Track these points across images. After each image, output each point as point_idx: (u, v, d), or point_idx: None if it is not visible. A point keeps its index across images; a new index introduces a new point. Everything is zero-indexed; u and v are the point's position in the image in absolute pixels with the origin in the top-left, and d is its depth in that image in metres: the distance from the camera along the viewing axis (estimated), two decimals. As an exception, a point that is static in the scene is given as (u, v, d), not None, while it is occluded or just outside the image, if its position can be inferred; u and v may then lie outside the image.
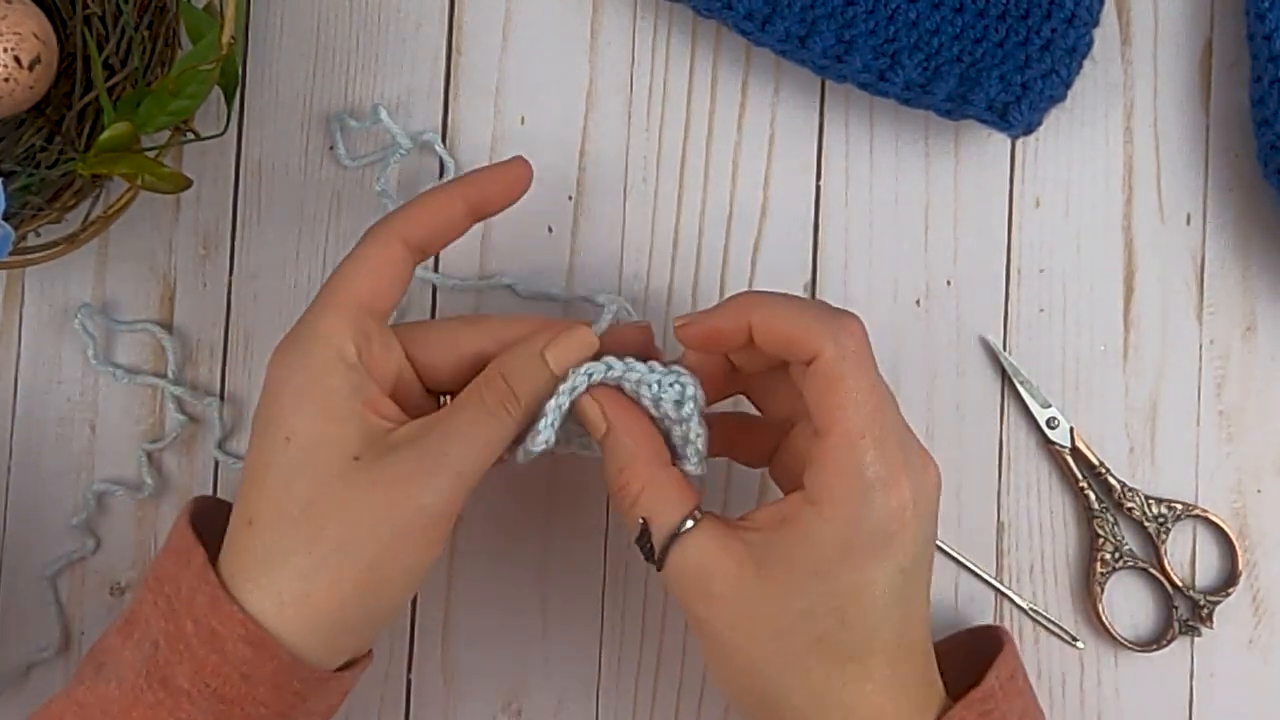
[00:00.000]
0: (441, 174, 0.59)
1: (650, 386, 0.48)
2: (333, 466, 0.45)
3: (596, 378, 0.48)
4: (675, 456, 0.48)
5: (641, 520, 0.46)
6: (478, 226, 0.58)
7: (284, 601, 0.45)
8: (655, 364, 0.48)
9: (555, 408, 0.47)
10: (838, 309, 0.47)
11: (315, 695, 0.46)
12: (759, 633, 0.45)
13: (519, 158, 0.51)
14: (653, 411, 0.48)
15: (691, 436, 0.48)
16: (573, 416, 0.48)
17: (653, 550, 0.46)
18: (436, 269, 0.59)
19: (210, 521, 0.48)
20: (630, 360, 0.48)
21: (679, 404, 0.48)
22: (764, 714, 0.46)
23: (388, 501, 0.45)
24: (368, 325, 0.47)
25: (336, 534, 0.45)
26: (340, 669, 0.47)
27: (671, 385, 0.48)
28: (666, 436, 0.48)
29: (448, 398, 0.51)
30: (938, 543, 0.58)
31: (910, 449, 0.46)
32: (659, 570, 0.46)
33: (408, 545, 0.45)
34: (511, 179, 0.51)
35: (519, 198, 0.51)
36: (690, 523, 0.46)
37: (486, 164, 0.52)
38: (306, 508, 0.45)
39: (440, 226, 0.50)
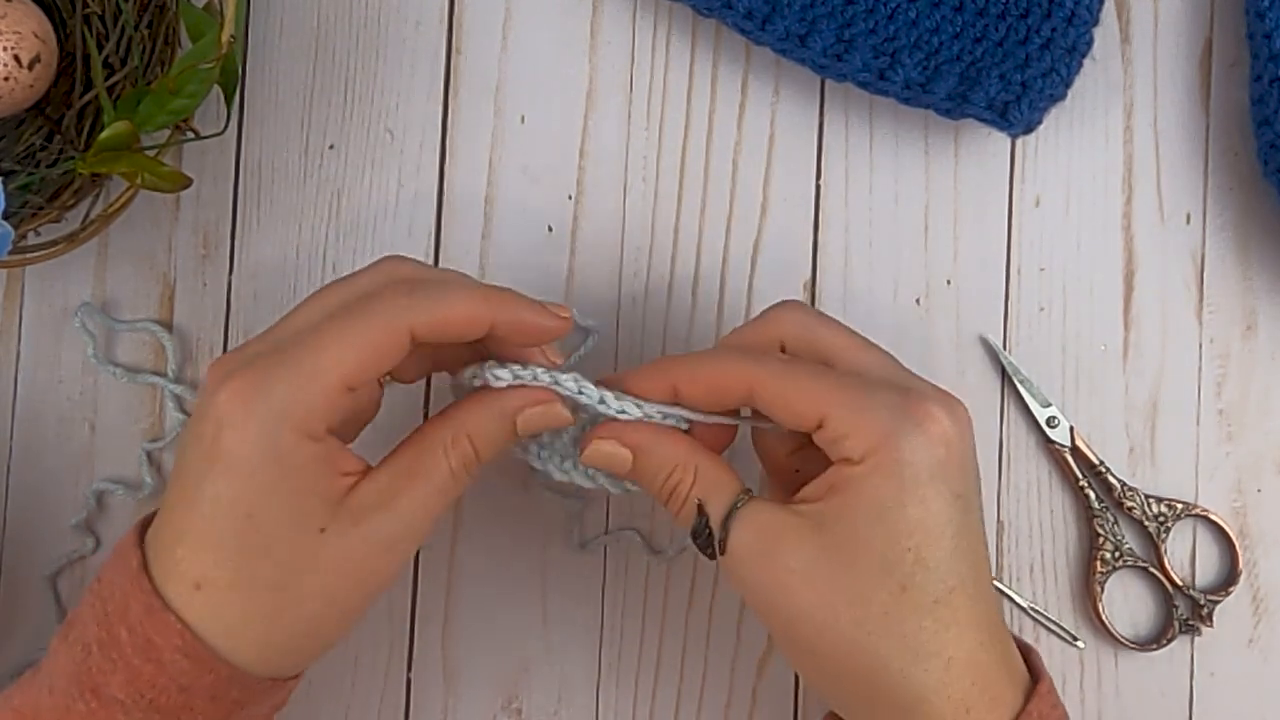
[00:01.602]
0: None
1: (609, 407, 0.48)
2: (299, 543, 0.44)
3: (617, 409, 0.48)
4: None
5: (698, 505, 0.46)
6: (478, 225, 0.59)
7: (222, 628, 0.44)
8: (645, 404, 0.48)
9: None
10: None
11: (255, 702, 0.46)
12: (839, 600, 0.44)
13: (567, 312, 0.48)
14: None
15: None
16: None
17: (711, 536, 0.46)
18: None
19: None
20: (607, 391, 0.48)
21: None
22: (860, 687, 0.45)
23: (353, 576, 0.45)
24: (343, 403, 0.45)
25: (296, 610, 0.44)
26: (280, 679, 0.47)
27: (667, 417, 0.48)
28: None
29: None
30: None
31: (927, 384, 0.46)
32: (721, 555, 0.46)
33: (361, 604, 0.46)
34: (550, 328, 0.47)
35: (541, 343, 0.48)
36: (742, 499, 0.46)
37: (529, 297, 0.48)
38: (271, 585, 0.44)
39: (457, 333, 0.46)
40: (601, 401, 0.47)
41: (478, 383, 0.47)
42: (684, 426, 0.48)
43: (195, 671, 0.43)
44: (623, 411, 0.47)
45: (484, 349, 0.49)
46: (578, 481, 0.50)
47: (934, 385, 0.46)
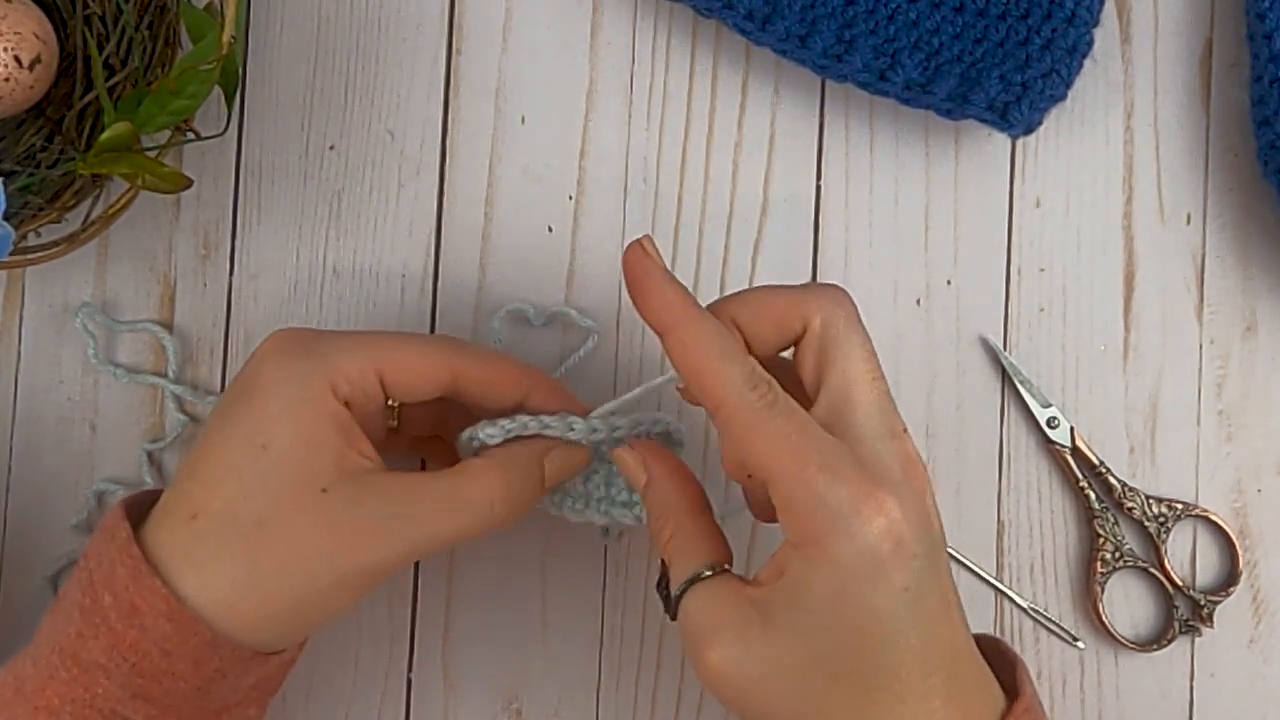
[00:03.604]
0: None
1: (643, 427, 0.49)
2: (300, 492, 0.45)
3: (601, 437, 0.49)
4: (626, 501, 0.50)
5: (662, 563, 0.46)
6: (478, 225, 0.59)
7: (211, 596, 0.44)
8: (638, 416, 0.50)
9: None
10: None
11: (238, 673, 0.46)
12: (772, 688, 0.43)
13: (574, 412, 0.50)
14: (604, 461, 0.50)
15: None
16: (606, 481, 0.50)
17: (669, 595, 0.45)
18: (437, 275, 0.59)
19: (146, 508, 0.47)
20: (620, 418, 0.49)
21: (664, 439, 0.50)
22: None
23: (343, 547, 0.45)
24: (369, 384, 0.47)
25: (281, 556, 0.44)
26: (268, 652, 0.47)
27: (658, 430, 0.50)
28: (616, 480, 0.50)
29: (395, 405, 0.51)
30: (938, 542, 0.58)
31: (884, 459, 0.43)
32: (672, 619, 0.45)
33: (341, 592, 0.45)
34: (573, 407, 0.50)
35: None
36: (708, 573, 0.44)
37: (558, 381, 0.52)
38: (260, 523, 0.44)
39: (489, 397, 0.49)
40: (585, 429, 0.49)
41: (475, 445, 0.49)
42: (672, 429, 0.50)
43: (178, 636, 0.43)
44: (614, 429, 0.49)
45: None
46: (596, 521, 0.51)
47: (907, 451, 0.44)
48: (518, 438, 0.49)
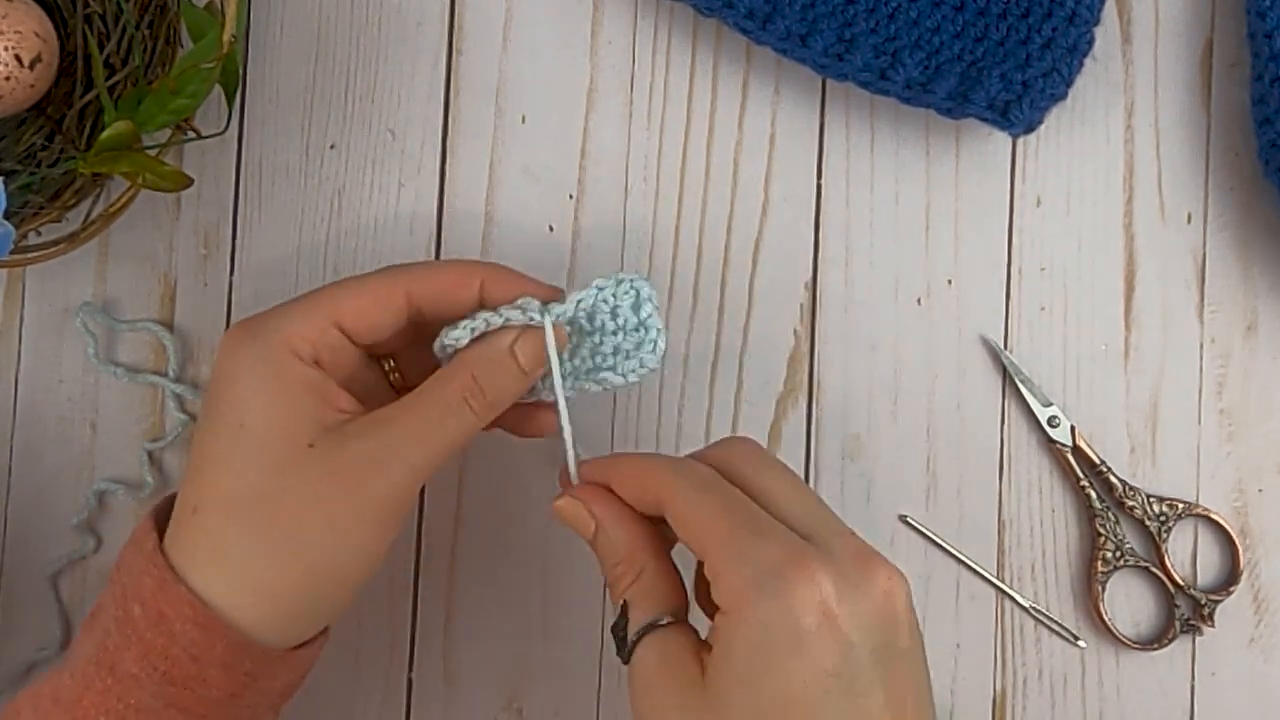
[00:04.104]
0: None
1: (606, 301, 0.49)
2: (287, 454, 0.45)
3: (558, 315, 0.49)
4: (629, 355, 0.49)
5: (622, 604, 0.45)
6: (479, 225, 0.59)
7: (232, 588, 0.44)
8: (601, 279, 0.49)
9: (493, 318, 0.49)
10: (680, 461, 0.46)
11: (267, 675, 0.46)
12: None
13: (551, 288, 0.50)
14: (611, 323, 0.49)
15: (653, 335, 0.49)
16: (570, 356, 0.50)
17: (625, 638, 0.44)
18: (437, 268, 0.59)
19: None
20: (582, 291, 0.49)
21: (636, 307, 0.49)
22: None
23: (341, 489, 0.45)
24: (331, 337, 0.47)
25: (287, 522, 0.45)
26: (295, 648, 0.47)
27: (626, 292, 0.49)
28: (623, 344, 0.50)
29: (391, 362, 0.52)
30: (938, 541, 0.58)
31: (835, 551, 0.41)
32: (625, 663, 0.44)
33: (360, 532, 0.45)
34: (537, 290, 0.50)
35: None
36: (668, 619, 0.44)
37: (526, 275, 0.51)
38: (257, 496, 0.45)
39: (448, 304, 0.49)
40: (542, 310, 0.48)
41: (448, 351, 0.49)
42: (645, 292, 0.49)
43: (206, 641, 0.44)
44: (578, 302, 0.49)
45: None
46: (592, 390, 0.50)
47: (859, 546, 0.42)
48: (484, 335, 0.48)
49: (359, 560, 0.46)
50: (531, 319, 0.48)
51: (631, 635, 0.44)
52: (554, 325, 0.48)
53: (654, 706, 0.43)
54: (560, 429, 0.48)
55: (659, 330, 0.49)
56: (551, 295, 0.49)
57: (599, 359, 0.50)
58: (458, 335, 0.48)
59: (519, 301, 0.48)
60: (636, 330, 0.49)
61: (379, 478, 0.45)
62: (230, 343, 0.47)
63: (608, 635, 0.58)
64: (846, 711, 0.40)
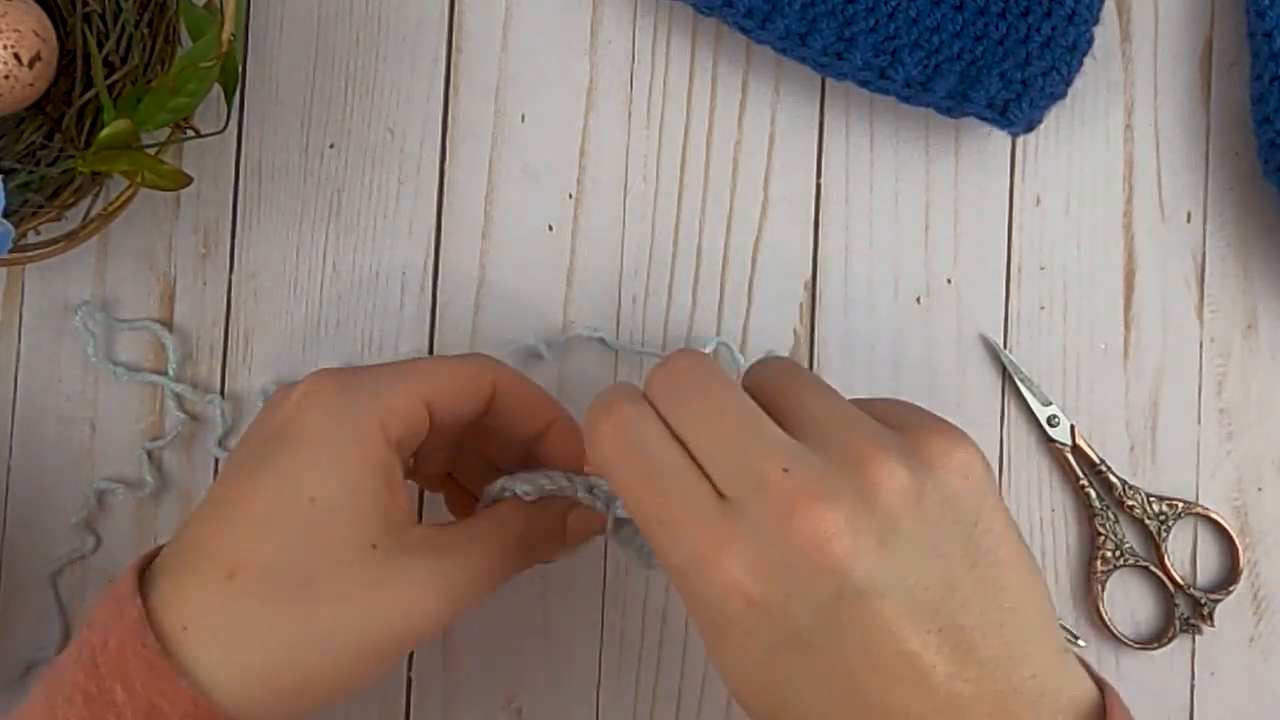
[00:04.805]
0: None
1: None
2: (348, 548, 0.41)
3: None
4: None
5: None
6: (478, 224, 0.59)
7: (248, 677, 0.40)
8: None
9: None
10: (605, 409, 0.42)
11: None
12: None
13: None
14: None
15: None
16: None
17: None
18: (437, 274, 0.59)
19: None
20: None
21: None
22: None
23: (387, 608, 0.41)
24: (419, 417, 0.44)
25: (330, 620, 0.41)
26: None
27: None
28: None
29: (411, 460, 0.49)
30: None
31: (750, 494, 0.38)
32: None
33: (382, 658, 0.42)
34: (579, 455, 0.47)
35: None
36: None
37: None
38: (307, 582, 0.41)
39: (521, 413, 0.48)
40: (602, 499, 0.47)
41: (506, 494, 0.47)
42: None
43: None
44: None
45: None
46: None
47: (782, 490, 0.37)
48: (553, 495, 0.47)
49: (379, 670, 0.43)
50: (595, 505, 0.47)
51: None
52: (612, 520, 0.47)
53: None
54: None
55: None
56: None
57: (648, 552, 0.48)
58: (528, 490, 0.46)
59: (594, 480, 0.46)
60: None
61: (430, 602, 0.42)
62: (319, 390, 0.43)
63: (608, 635, 0.58)
64: (821, 674, 0.38)
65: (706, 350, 0.49)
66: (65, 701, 0.40)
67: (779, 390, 0.42)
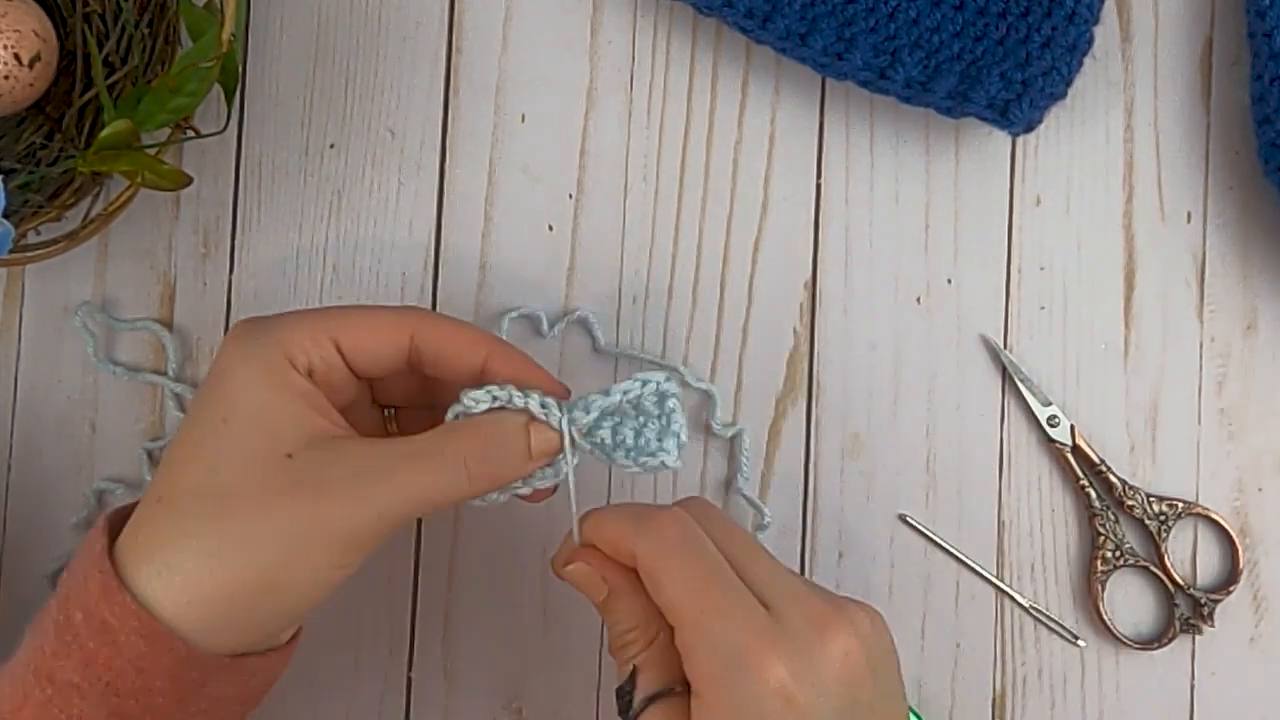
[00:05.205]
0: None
1: (630, 403, 0.47)
2: (262, 457, 0.44)
3: (594, 413, 0.47)
4: (653, 450, 0.47)
5: (633, 669, 0.45)
6: (478, 225, 0.59)
7: (179, 584, 0.43)
8: (626, 383, 0.47)
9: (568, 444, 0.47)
10: (660, 509, 0.45)
11: (218, 682, 0.44)
12: None
13: (561, 385, 0.49)
14: (633, 421, 0.47)
15: (674, 428, 0.47)
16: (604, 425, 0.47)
17: (630, 703, 0.45)
18: (437, 274, 0.59)
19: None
20: (604, 397, 0.47)
21: (661, 407, 0.47)
22: None
23: (304, 511, 0.43)
24: (328, 353, 0.46)
25: (245, 524, 0.43)
26: (249, 655, 0.45)
27: (651, 394, 0.47)
28: (640, 439, 0.48)
29: (392, 412, 0.51)
30: (938, 541, 0.58)
31: (789, 607, 0.43)
32: None
33: (316, 555, 0.43)
34: (550, 386, 0.48)
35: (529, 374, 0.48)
36: (679, 688, 0.44)
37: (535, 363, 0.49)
38: (224, 491, 0.43)
39: (450, 362, 0.48)
40: (555, 411, 0.47)
41: (459, 412, 0.47)
42: (669, 387, 0.48)
43: (152, 653, 0.42)
44: (584, 420, 0.47)
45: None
46: (629, 469, 0.48)
47: (816, 610, 0.43)
48: (502, 408, 0.47)
49: (311, 582, 0.44)
50: (553, 418, 0.46)
51: (638, 701, 0.44)
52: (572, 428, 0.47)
53: None
54: (570, 500, 0.47)
55: (679, 433, 0.47)
56: (555, 390, 0.48)
57: (613, 445, 0.48)
58: (477, 398, 0.47)
59: (547, 398, 0.47)
60: (659, 429, 0.47)
61: (350, 508, 0.43)
62: (230, 339, 0.46)
63: (608, 635, 0.57)
64: None
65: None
66: (39, 631, 0.44)
67: (731, 545, 0.45)
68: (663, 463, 0.47)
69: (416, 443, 0.45)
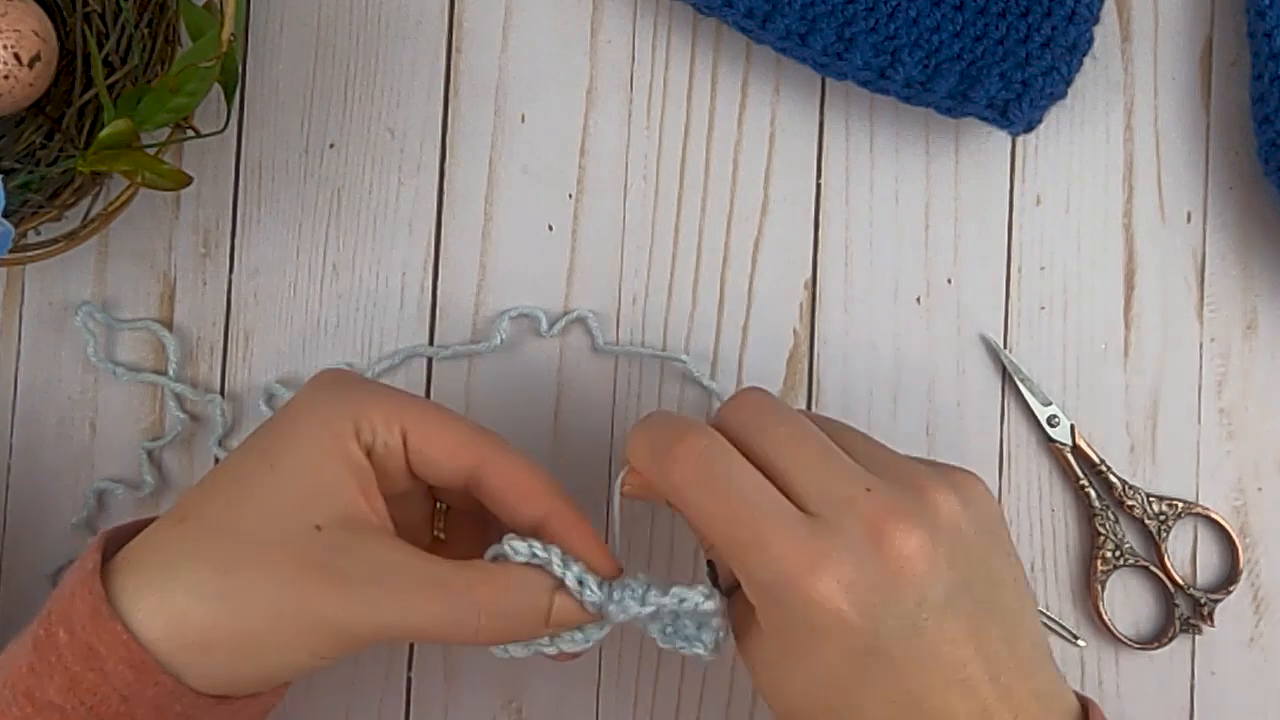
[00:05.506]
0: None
1: (670, 611, 0.46)
2: (291, 517, 0.43)
3: (629, 615, 0.45)
4: (689, 636, 0.46)
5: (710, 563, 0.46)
6: (478, 224, 0.59)
7: (174, 625, 0.42)
8: (670, 595, 0.45)
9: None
10: (683, 432, 0.44)
11: (204, 717, 0.44)
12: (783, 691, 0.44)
13: (613, 561, 0.46)
14: (669, 624, 0.46)
15: (714, 624, 0.46)
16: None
17: (716, 576, 0.46)
18: (437, 274, 0.59)
19: (130, 537, 0.45)
20: (644, 605, 0.45)
21: (697, 622, 0.46)
22: None
23: (307, 591, 0.42)
24: (393, 440, 0.45)
25: (247, 580, 0.42)
26: (231, 696, 0.44)
27: (689, 609, 0.45)
28: (679, 623, 0.46)
29: (444, 507, 0.50)
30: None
31: (840, 513, 0.41)
32: (717, 588, 0.46)
33: (293, 638, 0.42)
34: (600, 562, 0.46)
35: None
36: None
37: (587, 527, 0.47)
38: (242, 538, 0.42)
39: (509, 504, 0.46)
40: (594, 593, 0.45)
41: (497, 556, 0.46)
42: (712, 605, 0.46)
43: (138, 683, 0.41)
44: (621, 614, 0.45)
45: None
46: (675, 648, 0.47)
47: (871, 511, 0.41)
48: (539, 567, 0.45)
49: (282, 664, 0.43)
50: (588, 598, 0.45)
51: (724, 583, 0.46)
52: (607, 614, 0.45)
53: (743, 651, 0.45)
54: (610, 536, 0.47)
55: (719, 631, 0.46)
56: (605, 567, 0.46)
57: (680, 627, 0.47)
58: (518, 549, 0.45)
59: (588, 575, 0.45)
60: (696, 622, 0.46)
61: (348, 607, 0.42)
62: (311, 385, 0.46)
63: (608, 634, 0.57)
64: (891, 679, 0.41)
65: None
66: (19, 646, 0.43)
67: (778, 446, 0.44)
68: (698, 654, 0.46)
69: (440, 570, 0.44)
